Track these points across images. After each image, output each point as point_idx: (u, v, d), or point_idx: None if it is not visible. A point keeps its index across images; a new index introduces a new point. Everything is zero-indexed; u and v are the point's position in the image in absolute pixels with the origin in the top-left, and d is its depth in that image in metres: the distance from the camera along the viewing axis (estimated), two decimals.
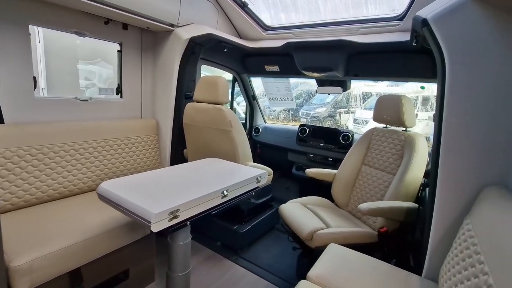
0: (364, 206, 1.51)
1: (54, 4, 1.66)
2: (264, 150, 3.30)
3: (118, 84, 2.17)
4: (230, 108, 3.19)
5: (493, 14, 1.00)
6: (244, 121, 3.42)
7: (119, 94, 2.18)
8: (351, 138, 2.62)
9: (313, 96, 7.23)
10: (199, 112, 2.04)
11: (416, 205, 1.60)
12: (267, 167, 2.31)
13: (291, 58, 2.34)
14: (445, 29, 1.07)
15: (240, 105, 3.95)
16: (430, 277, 1.21)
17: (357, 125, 7.39)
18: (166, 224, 1.03)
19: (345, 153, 2.65)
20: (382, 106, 1.93)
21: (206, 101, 2.03)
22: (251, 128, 3.37)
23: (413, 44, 1.51)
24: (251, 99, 3.27)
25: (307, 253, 1.73)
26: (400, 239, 1.74)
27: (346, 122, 7.57)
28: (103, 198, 1.21)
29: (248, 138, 3.38)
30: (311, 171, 2.17)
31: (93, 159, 1.88)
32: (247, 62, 2.83)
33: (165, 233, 1.17)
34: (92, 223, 1.44)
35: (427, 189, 1.34)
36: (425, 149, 1.71)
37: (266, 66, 2.69)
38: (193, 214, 1.14)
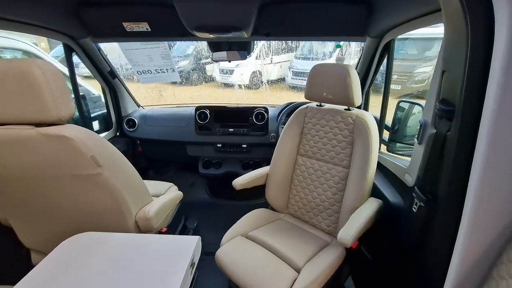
0: (344, 237, 1.09)
1: None
2: (148, 147, 2.35)
3: None
4: (76, 100, 1.91)
5: None
6: (105, 112, 2.24)
7: None
8: (266, 115, 2.10)
9: (172, 47, 6.27)
10: (7, 148, 0.92)
11: (380, 201, 1.34)
12: (178, 190, 1.55)
13: (171, 10, 1.42)
14: None
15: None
16: None
17: (224, 75, 7.13)
18: None
19: (263, 135, 2.15)
20: (320, 79, 1.43)
21: (14, 121, 0.91)
22: (120, 120, 2.26)
23: None
24: (108, 78, 2.08)
25: None
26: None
27: (212, 73, 7.17)
28: None
29: (120, 136, 2.30)
30: (239, 183, 1.56)
31: None
32: (86, 16, 1.60)
33: None
34: None
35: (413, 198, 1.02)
36: (377, 131, 1.40)
37: (125, 24, 1.62)
38: None
